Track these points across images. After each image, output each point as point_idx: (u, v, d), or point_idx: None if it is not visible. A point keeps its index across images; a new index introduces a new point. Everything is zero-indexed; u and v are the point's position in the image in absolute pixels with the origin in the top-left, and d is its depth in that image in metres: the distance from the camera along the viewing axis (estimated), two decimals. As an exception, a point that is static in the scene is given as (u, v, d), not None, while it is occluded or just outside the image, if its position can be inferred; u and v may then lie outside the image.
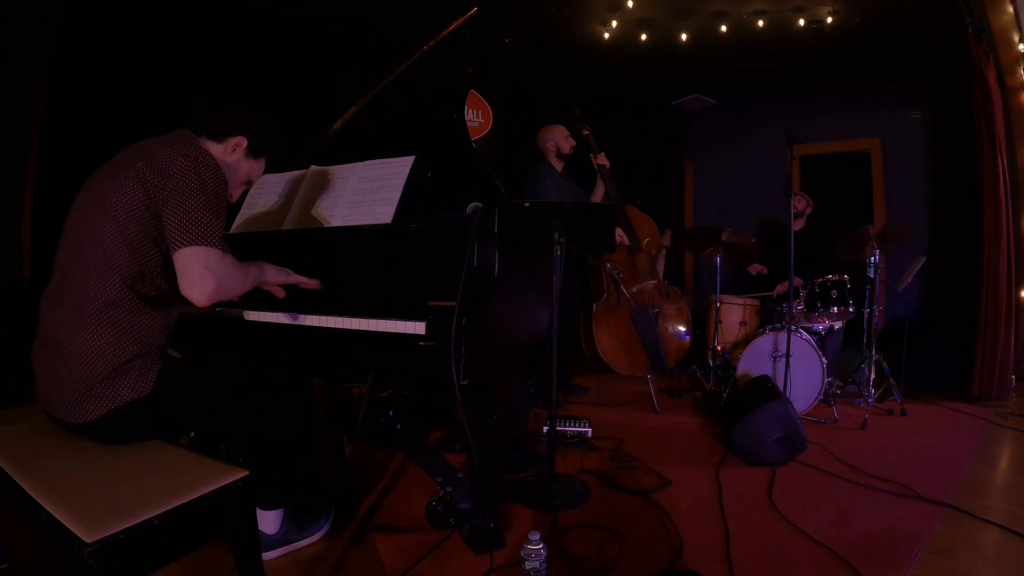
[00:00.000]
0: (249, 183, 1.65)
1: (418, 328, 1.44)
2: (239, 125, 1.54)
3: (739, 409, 2.64)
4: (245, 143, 1.55)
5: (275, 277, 1.60)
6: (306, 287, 1.67)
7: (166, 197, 1.29)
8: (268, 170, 2.18)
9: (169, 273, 1.33)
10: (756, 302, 3.99)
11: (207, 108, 1.54)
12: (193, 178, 1.30)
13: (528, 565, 1.54)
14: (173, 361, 1.42)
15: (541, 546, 1.55)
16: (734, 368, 3.39)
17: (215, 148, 1.51)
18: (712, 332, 3.84)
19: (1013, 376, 3.68)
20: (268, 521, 1.67)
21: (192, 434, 1.85)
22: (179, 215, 1.27)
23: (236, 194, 1.62)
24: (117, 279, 1.30)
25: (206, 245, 1.28)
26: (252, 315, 1.72)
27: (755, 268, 4.20)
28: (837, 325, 3.54)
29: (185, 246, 1.27)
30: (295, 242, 1.91)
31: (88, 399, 1.27)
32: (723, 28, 3.87)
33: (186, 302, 1.34)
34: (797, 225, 4.20)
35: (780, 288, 3.90)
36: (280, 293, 1.65)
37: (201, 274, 1.27)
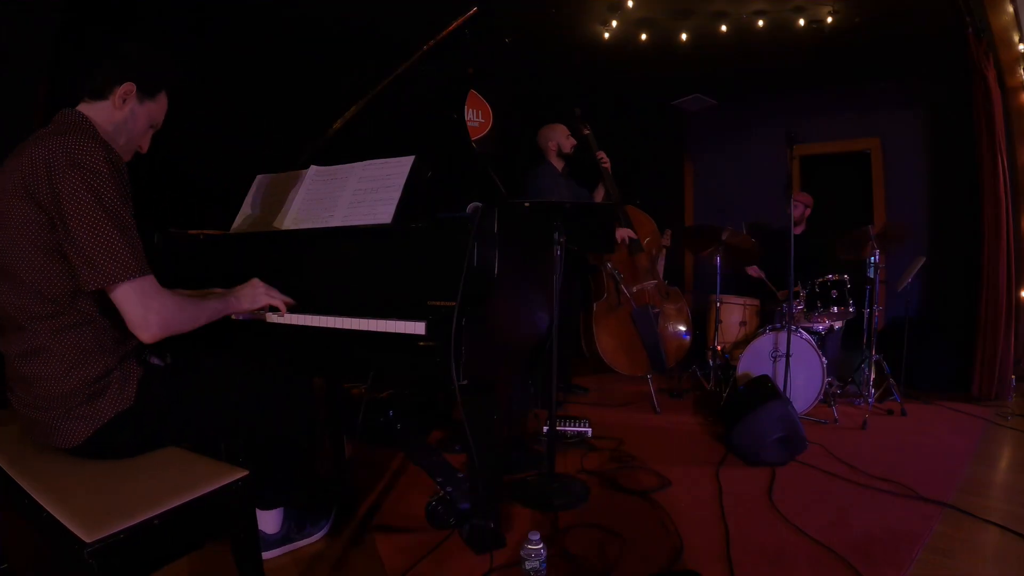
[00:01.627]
0: (154, 127, 1.45)
1: (418, 328, 1.44)
2: (119, 71, 1.33)
3: (739, 409, 2.64)
4: (134, 88, 1.35)
5: (247, 305, 1.51)
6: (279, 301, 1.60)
7: (66, 226, 1.14)
8: (269, 170, 2.20)
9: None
10: (756, 302, 3.99)
11: (87, 66, 1.35)
12: (89, 197, 1.14)
13: (528, 565, 1.54)
14: (155, 368, 1.35)
15: (541, 546, 1.55)
16: (734, 368, 3.39)
17: (102, 109, 1.33)
18: (712, 332, 3.84)
19: (1013, 376, 3.68)
20: (269, 521, 1.67)
21: (191, 438, 1.85)
22: (88, 248, 1.13)
23: (145, 144, 1.45)
24: (48, 304, 1.19)
25: (131, 278, 1.16)
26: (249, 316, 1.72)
27: (753, 270, 4.17)
28: (837, 325, 3.54)
29: (112, 284, 1.15)
30: (295, 242, 1.91)
31: (69, 421, 1.21)
32: (723, 28, 3.87)
33: None
34: (797, 230, 4.19)
35: (782, 294, 3.91)
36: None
37: (143, 315, 1.18)
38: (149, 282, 1.21)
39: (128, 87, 1.35)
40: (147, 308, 1.20)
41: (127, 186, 1.25)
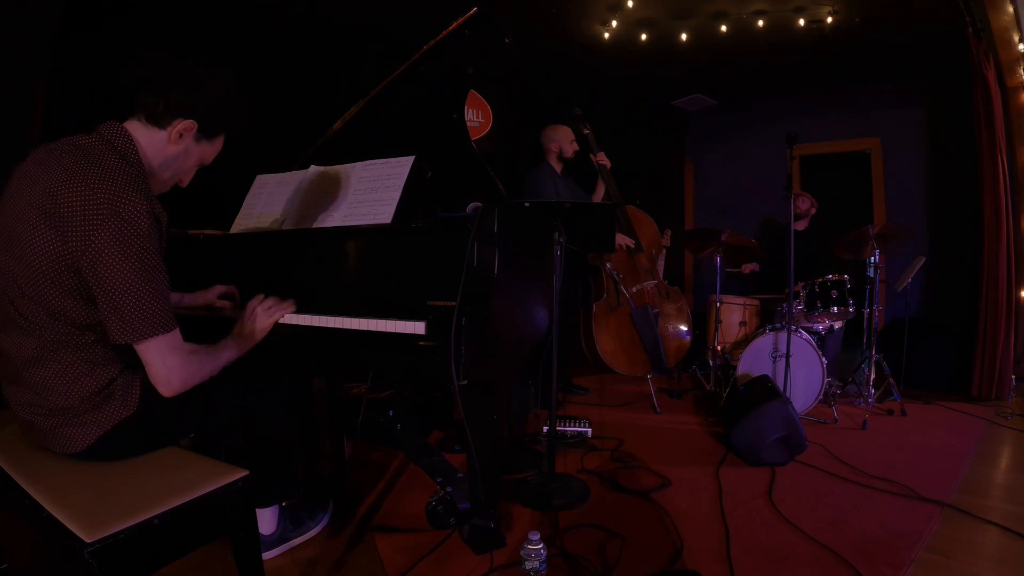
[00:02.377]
0: (203, 165, 1.40)
1: (418, 328, 1.44)
2: (185, 105, 1.25)
3: (739, 409, 2.64)
4: (195, 127, 1.27)
5: (259, 338, 1.51)
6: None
7: (99, 277, 1.10)
8: (269, 170, 2.20)
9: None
10: (756, 302, 4.00)
11: (151, 84, 1.24)
12: (130, 254, 1.09)
13: (528, 565, 1.54)
14: None
15: (541, 546, 1.55)
16: (734, 368, 3.39)
17: (155, 139, 1.25)
18: (712, 332, 3.84)
19: (1013, 376, 3.68)
20: (264, 521, 1.67)
21: (192, 434, 1.85)
22: (120, 301, 1.11)
23: (187, 179, 1.39)
24: (58, 323, 1.16)
25: (157, 334, 1.15)
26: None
27: (748, 267, 4.20)
28: (837, 325, 3.54)
29: (137, 342, 1.14)
30: (295, 242, 1.91)
31: (73, 427, 1.20)
32: (723, 28, 3.87)
33: None
34: (801, 225, 4.21)
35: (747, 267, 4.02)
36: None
37: (166, 373, 1.19)
38: (174, 339, 1.20)
39: (189, 124, 1.26)
40: (169, 369, 1.19)
41: (164, 237, 1.22)
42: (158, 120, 1.24)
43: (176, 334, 1.21)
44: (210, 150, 1.37)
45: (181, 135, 1.27)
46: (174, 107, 1.24)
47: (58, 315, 1.16)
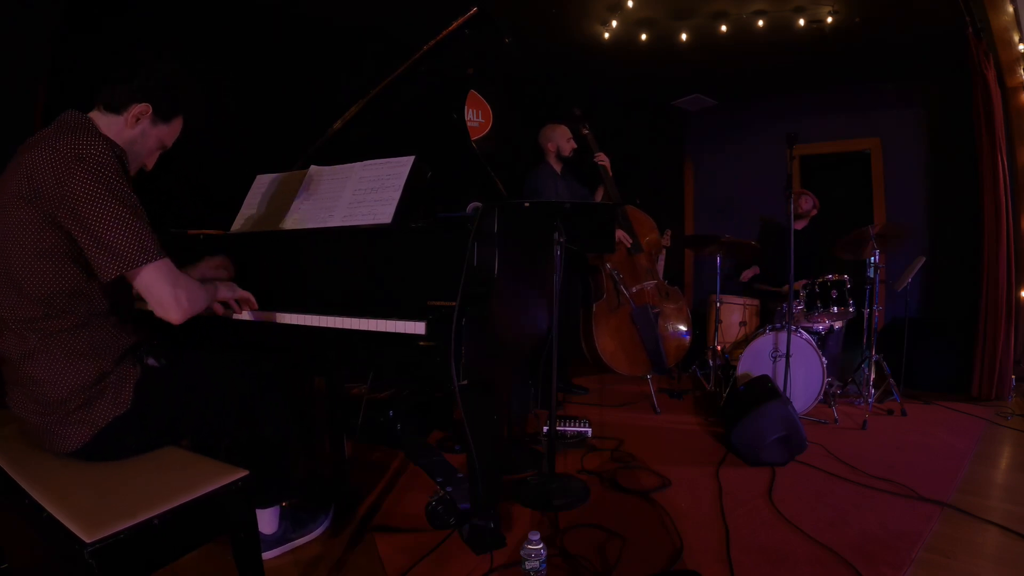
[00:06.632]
0: (164, 148, 1.44)
1: (418, 328, 1.44)
2: (137, 90, 1.32)
3: (739, 409, 2.64)
4: (150, 110, 1.34)
5: (224, 294, 1.50)
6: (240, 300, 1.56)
7: (80, 222, 1.13)
8: (269, 170, 2.20)
9: (106, 284, 1.22)
10: (756, 302, 3.99)
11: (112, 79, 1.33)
12: (102, 189, 1.14)
13: (528, 565, 1.54)
14: (151, 370, 1.34)
15: (541, 546, 1.55)
16: (734, 368, 3.38)
17: (113, 123, 1.31)
18: (712, 332, 3.84)
19: (1013, 376, 3.68)
20: (265, 520, 1.67)
21: (190, 435, 1.85)
22: (108, 237, 1.14)
23: (151, 163, 1.44)
24: (39, 307, 1.19)
25: (156, 259, 1.18)
26: (248, 315, 1.72)
27: (747, 274, 4.20)
28: (837, 325, 3.54)
29: (136, 268, 1.16)
30: (295, 242, 1.91)
31: (67, 426, 1.21)
32: (723, 28, 3.87)
33: (137, 298, 1.31)
34: (800, 224, 4.20)
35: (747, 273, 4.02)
36: (220, 310, 1.52)
37: (172, 293, 1.20)
38: (170, 263, 1.23)
39: (144, 108, 1.33)
40: (175, 286, 1.22)
41: (130, 179, 1.27)
42: (116, 108, 1.32)
43: (170, 261, 1.24)
44: (168, 132, 1.42)
45: (138, 119, 1.33)
46: (128, 93, 1.32)
47: (42, 297, 1.18)
